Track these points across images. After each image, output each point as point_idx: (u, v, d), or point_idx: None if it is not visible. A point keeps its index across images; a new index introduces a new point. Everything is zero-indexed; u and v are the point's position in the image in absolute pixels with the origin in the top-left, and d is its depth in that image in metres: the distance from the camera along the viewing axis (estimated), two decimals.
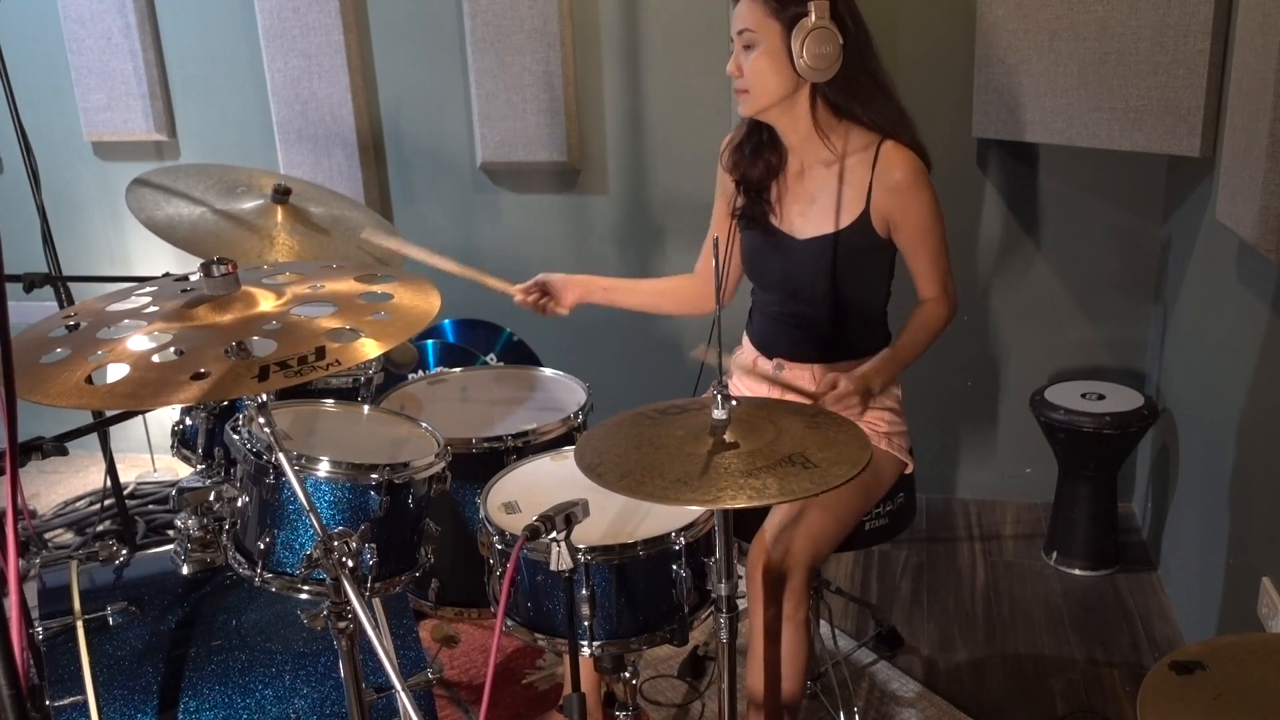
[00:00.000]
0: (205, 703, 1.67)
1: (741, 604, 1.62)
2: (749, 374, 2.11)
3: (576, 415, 2.14)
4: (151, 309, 1.44)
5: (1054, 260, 2.99)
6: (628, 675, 1.79)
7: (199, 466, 2.12)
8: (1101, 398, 2.79)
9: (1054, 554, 2.90)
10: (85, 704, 1.61)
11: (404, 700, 1.37)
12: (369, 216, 2.41)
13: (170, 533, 2.35)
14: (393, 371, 2.35)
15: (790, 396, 1.83)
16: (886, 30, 2.87)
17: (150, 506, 3.31)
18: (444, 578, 2.07)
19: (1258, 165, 1.86)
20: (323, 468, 1.62)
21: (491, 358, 2.86)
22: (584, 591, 1.64)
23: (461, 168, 3.28)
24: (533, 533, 1.47)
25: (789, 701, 1.93)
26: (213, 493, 1.84)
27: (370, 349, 1.35)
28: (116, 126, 3.42)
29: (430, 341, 2.90)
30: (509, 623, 1.73)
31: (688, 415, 1.55)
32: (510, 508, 1.80)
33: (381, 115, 3.30)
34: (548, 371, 2.38)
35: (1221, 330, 2.34)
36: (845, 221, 1.93)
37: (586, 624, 1.65)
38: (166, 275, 1.64)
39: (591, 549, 1.63)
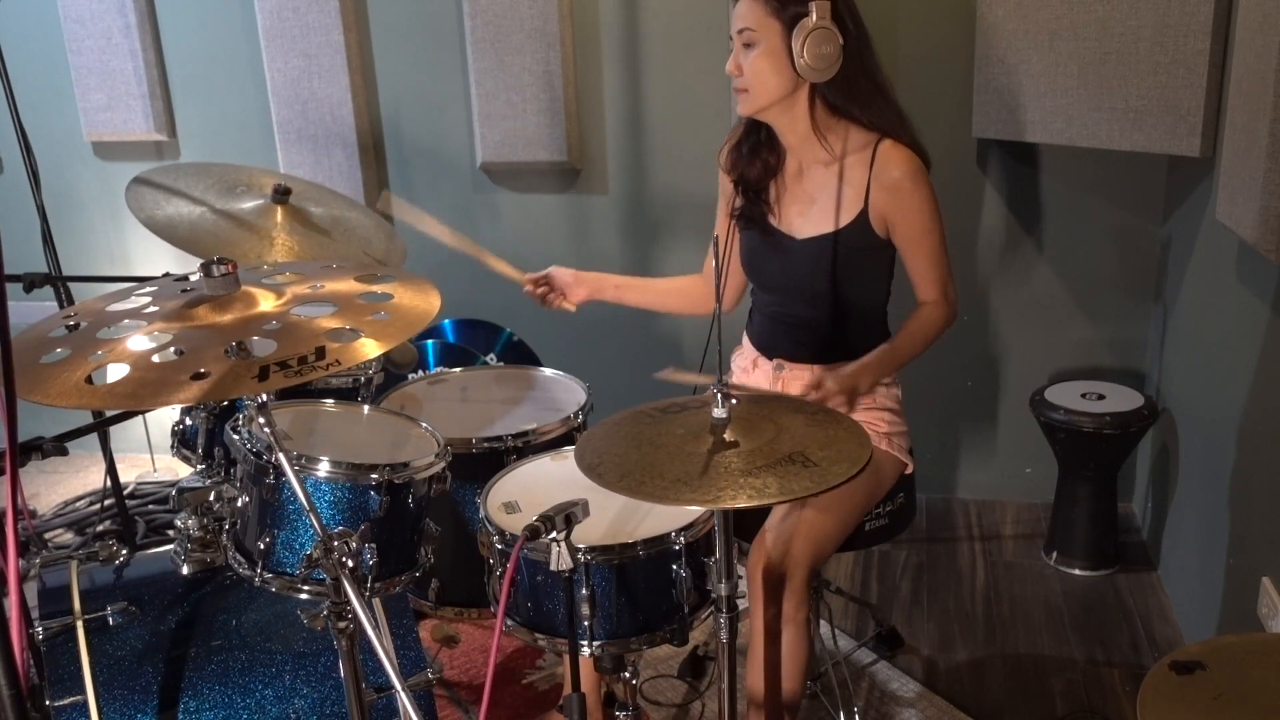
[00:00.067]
0: (205, 703, 1.67)
1: (742, 604, 1.62)
2: (746, 375, 2.11)
3: (576, 415, 2.14)
4: (151, 309, 1.44)
5: (1054, 260, 2.99)
6: (628, 675, 1.79)
7: (199, 466, 2.12)
8: (1101, 398, 2.79)
9: (1054, 554, 2.90)
10: (85, 704, 1.61)
11: (404, 700, 1.37)
12: (369, 217, 2.41)
13: (170, 533, 2.35)
14: (393, 371, 2.35)
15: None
16: (886, 30, 2.87)
17: (150, 506, 3.31)
18: (444, 578, 2.07)
19: (1258, 165, 1.86)
20: (323, 468, 1.62)
21: (491, 358, 2.86)
22: (584, 591, 1.64)
23: (461, 168, 3.28)
24: (533, 533, 1.47)
25: (789, 701, 1.93)
26: (213, 493, 1.84)
27: (370, 349, 1.35)
28: (116, 126, 3.42)
29: (430, 341, 2.90)
30: (509, 623, 1.73)
31: (688, 414, 1.55)
32: (510, 508, 1.80)
33: (381, 115, 3.30)
34: (548, 371, 2.38)
35: (1221, 330, 2.34)
36: (844, 221, 1.93)
37: (586, 624, 1.65)
38: (166, 275, 1.64)
39: (591, 549, 1.63)
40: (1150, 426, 2.78)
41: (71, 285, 2.50)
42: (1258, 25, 1.93)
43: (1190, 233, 2.60)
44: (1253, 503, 2.11)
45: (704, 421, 1.50)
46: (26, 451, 1.54)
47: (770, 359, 2.07)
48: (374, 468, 1.63)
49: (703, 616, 1.73)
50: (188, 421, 2.15)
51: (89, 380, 1.29)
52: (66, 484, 3.58)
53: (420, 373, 2.41)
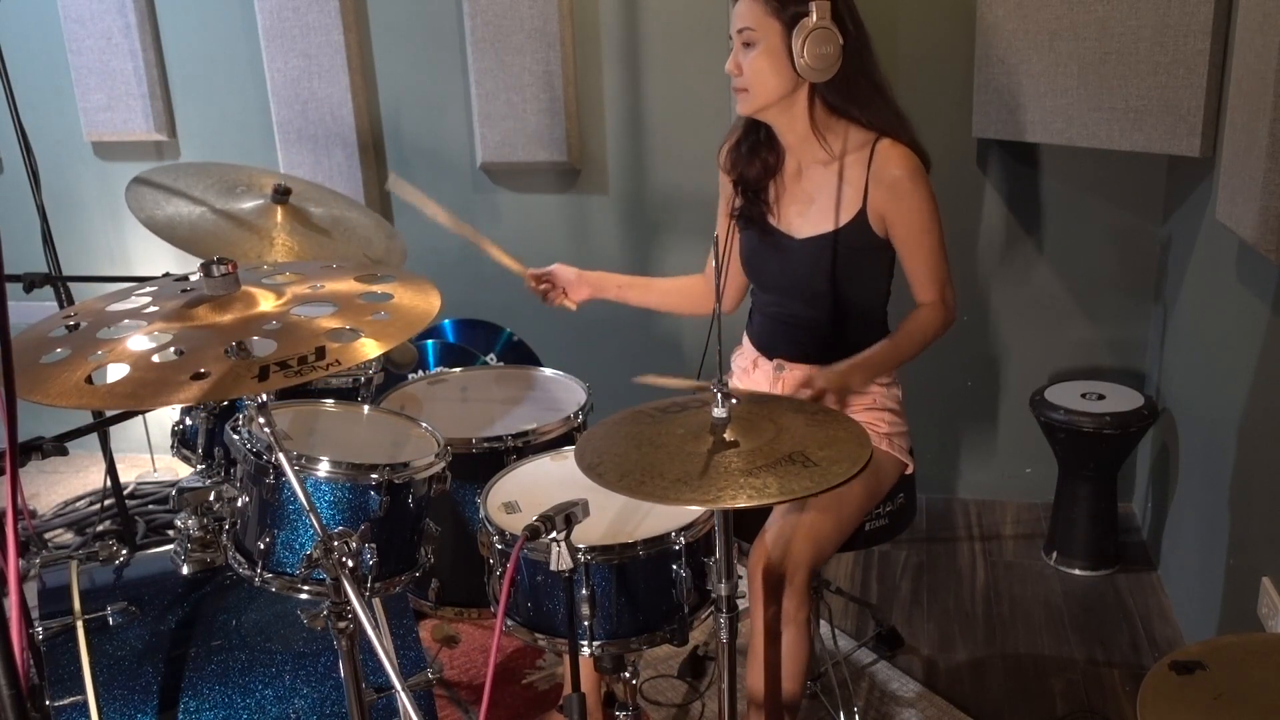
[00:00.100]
0: (205, 703, 1.67)
1: (742, 604, 1.62)
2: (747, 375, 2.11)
3: (576, 415, 2.14)
4: (151, 309, 1.44)
5: (1054, 260, 2.99)
6: (628, 675, 1.79)
7: (199, 466, 2.12)
8: (1101, 398, 2.79)
9: (1054, 554, 2.90)
10: (85, 704, 1.61)
11: (404, 700, 1.37)
12: (369, 216, 2.41)
13: (170, 533, 2.35)
14: (393, 371, 2.35)
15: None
16: (886, 30, 2.87)
17: (150, 506, 3.31)
18: (444, 578, 2.07)
19: (1258, 165, 1.86)
20: (323, 468, 1.62)
21: (491, 358, 2.86)
22: (584, 591, 1.64)
23: (461, 168, 3.28)
24: (533, 533, 1.47)
25: (789, 702, 1.92)
26: (213, 493, 1.84)
27: (370, 349, 1.35)
28: (116, 126, 3.43)
29: (430, 341, 2.90)
30: (509, 623, 1.73)
31: (688, 414, 1.55)
32: (510, 508, 1.80)
33: (381, 115, 3.30)
34: (548, 371, 2.38)
35: (1221, 330, 2.34)
36: (842, 221, 1.93)
37: (586, 624, 1.65)
38: (166, 275, 1.64)
39: (591, 549, 1.63)
40: (1150, 426, 2.78)
41: (71, 285, 2.50)
42: (1258, 25, 1.93)
43: (1190, 233, 2.60)
44: (1253, 503, 2.11)
45: (704, 421, 1.50)
46: (26, 451, 1.54)
47: (770, 359, 2.07)
48: (374, 468, 1.63)
49: (703, 616, 1.73)
50: (188, 421, 2.15)
51: (89, 380, 1.29)
52: (66, 484, 3.58)
53: (420, 373, 2.41)
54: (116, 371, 1.30)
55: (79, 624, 1.68)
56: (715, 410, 1.49)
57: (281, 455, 1.41)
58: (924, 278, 1.95)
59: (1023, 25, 2.60)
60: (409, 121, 3.29)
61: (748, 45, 1.87)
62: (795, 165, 2.00)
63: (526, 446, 2.05)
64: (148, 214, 2.14)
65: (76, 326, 1.43)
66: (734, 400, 1.51)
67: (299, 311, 1.42)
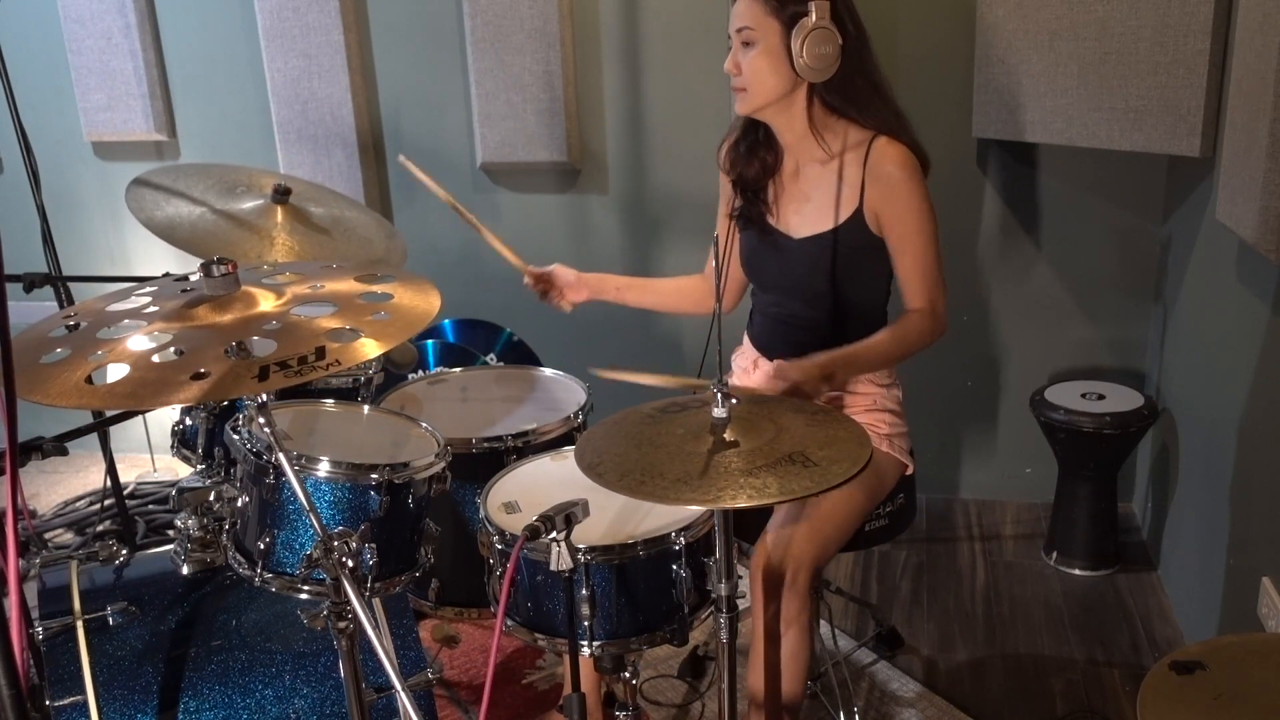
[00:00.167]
0: (205, 703, 1.67)
1: (742, 604, 1.62)
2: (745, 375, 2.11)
3: (576, 415, 2.14)
4: (151, 309, 1.44)
5: (1054, 260, 2.99)
6: (628, 675, 1.78)
7: (199, 466, 2.12)
8: (1101, 398, 2.79)
9: (1054, 554, 2.90)
10: (85, 704, 1.61)
11: (404, 700, 1.37)
12: (369, 216, 2.41)
13: (170, 533, 2.35)
14: (393, 371, 2.35)
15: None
16: (886, 30, 2.87)
17: (150, 506, 3.31)
18: (444, 578, 2.07)
19: (1258, 165, 1.86)
20: (323, 468, 1.62)
21: (491, 358, 2.86)
22: (584, 591, 1.64)
23: (461, 168, 3.28)
24: (533, 533, 1.47)
25: (790, 703, 1.92)
26: (213, 493, 1.84)
27: (370, 349, 1.35)
28: (116, 126, 3.43)
29: (430, 341, 2.90)
30: (509, 623, 1.73)
31: (688, 414, 1.55)
32: (510, 508, 1.80)
33: (381, 115, 3.30)
34: (548, 371, 2.38)
35: (1221, 330, 2.34)
36: (840, 220, 1.93)
37: (586, 624, 1.65)
38: (166, 275, 1.64)
39: (591, 549, 1.63)
40: (1150, 426, 2.78)
41: (71, 285, 2.50)
42: (1258, 25, 1.93)
43: (1190, 233, 2.60)
44: (1253, 503, 2.11)
45: (704, 421, 1.50)
46: (26, 451, 1.54)
47: (770, 359, 2.06)
48: (374, 468, 1.63)
49: (703, 616, 1.73)
50: (188, 421, 2.15)
51: (89, 380, 1.29)
52: (66, 484, 3.58)
53: (420, 373, 2.41)
54: (116, 371, 1.30)
55: (79, 624, 1.68)
56: (715, 410, 1.49)
57: (281, 455, 1.41)
58: (914, 282, 1.91)
59: (1023, 25, 2.60)
60: (409, 121, 3.29)
61: (747, 45, 1.86)
62: (793, 164, 2.00)
63: (526, 446, 2.05)
64: (148, 215, 2.14)
65: (76, 326, 1.43)
66: (734, 400, 1.51)
67: (299, 311, 1.42)
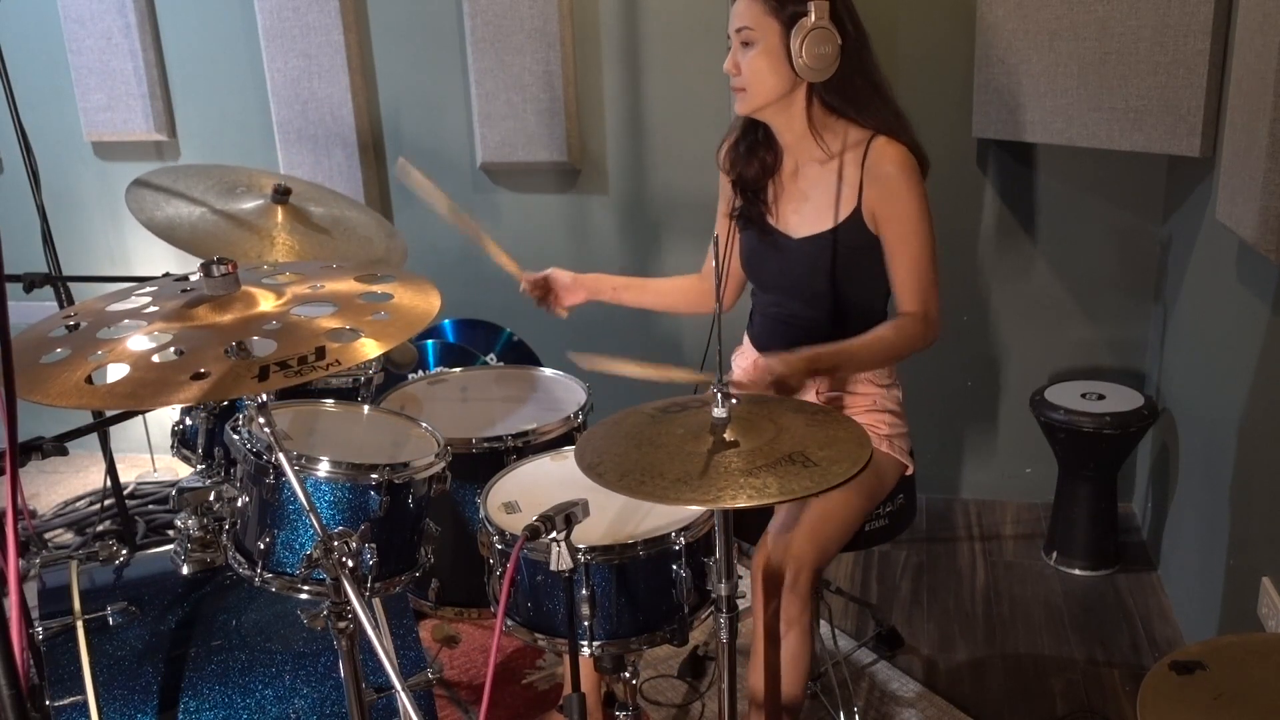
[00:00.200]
0: (205, 703, 1.67)
1: (742, 604, 1.62)
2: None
3: (576, 415, 2.14)
4: (151, 309, 1.44)
5: (1054, 260, 2.99)
6: (628, 675, 1.79)
7: (199, 466, 2.12)
8: (1101, 398, 2.79)
9: (1054, 554, 2.90)
10: (85, 704, 1.61)
11: (404, 700, 1.37)
12: (369, 216, 2.41)
13: (170, 533, 2.35)
14: (393, 371, 2.35)
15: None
16: (886, 30, 2.87)
17: (150, 506, 3.31)
18: (444, 578, 2.07)
19: (1258, 165, 1.86)
20: (323, 468, 1.62)
21: (491, 358, 2.86)
22: (584, 591, 1.64)
23: (461, 168, 3.28)
24: (533, 533, 1.47)
25: (790, 704, 1.92)
26: (213, 493, 1.84)
27: (370, 349, 1.35)
28: (116, 126, 3.43)
29: (430, 341, 2.90)
30: (509, 623, 1.73)
31: (688, 413, 1.55)
32: (510, 508, 1.80)
33: (381, 115, 3.30)
34: (548, 371, 2.39)
35: (1221, 330, 2.34)
36: (839, 219, 1.92)
37: (586, 624, 1.65)
38: (166, 275, 1.64)
39: (591, 549, 1.63)
40: (1150, 426, 2.78)
41: (71, 285, 2.50)
42: (1258, 25, 1.93)
43: (1190, 233, 2.60)
44: (1253, 503, 2.11)
45: (704, 421, 1.50)
46: (26, 451, 1.54)
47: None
48: (374, 468, 1.63)
49: (703, 616, 1.73)
50: (188, 421, 2.15)
51: (89, 380, 1.29)
52: (66, 484, 3.58)
53: (420, 373, 2.41)
54: (116, 371, 1.30)
55: (79, 624, 1.68)
56: (715, 410, 1.49)
57: (281, 455, 1.41)
58: (908, 285, 1.88)
59: (1023, 25, 2.60)
60: (409, 121, 3.29)
61: (746, 45, 1.86)
62: (792, 164, 2.00)
63: (526, 446, 2.05)
64: (148, 216, 2.14)
65: (76, 326, 1.43)
66: (734, 400, 1.51)
67: (299, 311, 1.42)
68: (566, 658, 1.87)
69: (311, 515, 1.41)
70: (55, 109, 3.44)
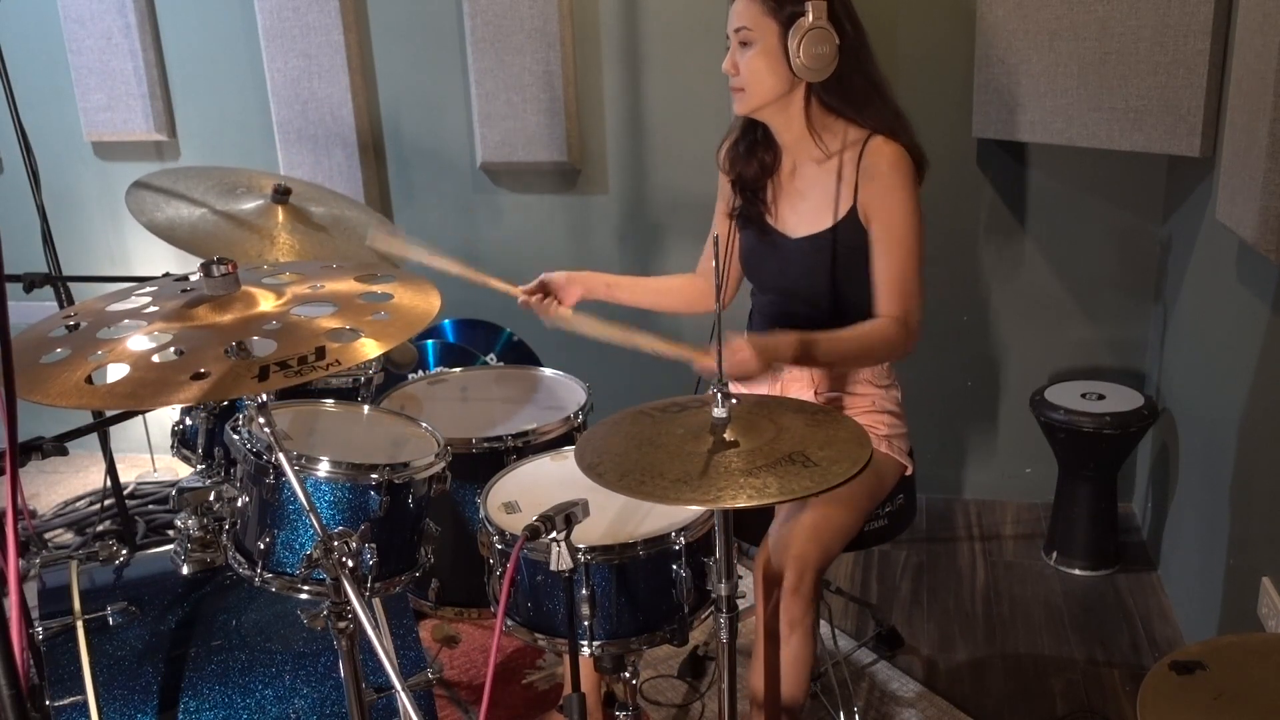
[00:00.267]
0: (205, 703, 1.67)
1: (742, 604, 1.62)
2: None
3: (576, 415, 2.14)
4: (151, 309, 1.44)
5: (1054, 260, 2.99)
6: (628, 675, 1.78)
7: (199, 466, 2.13)
8: (1101, 398, 2.79)
9: (1054, 554, 2.90)
10: (85, 704, 1.61)
11: (404, 700, 1.37)
12: (369, 216, 2.41)
13: (170, 533, 2.35)
14: (393, 371, 2.35)
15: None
16: (886, 30, 2.87)
17: (150, 506, 3.31)
18: (444, 578, 2.07)
19: (1258, 165, 1.86)
20: (323, 468, 1.62)
21: (491, 358, 2.86)
22: (584, 591, 1.64)
23: (461, 168, 3.28)
24: (533, 533, 1.47)
25: (792, 706, 1.92)
26: (213, 493, 1.84)
27: (370, 349, 1.35)
28: (116, 126, 3.43)
29: (430, 341, 2.90)
30: (509, 623, 1.73)
31: (688, 414, 1.55)
32: (510, 508, 1.80)
33: (381, 115, 3.30)
34: (548, 371, 2.39)
35: (1221, 330, 2.34)
36: (836, 219, 1.92)
37: (586, 624, 1.65)
38: (166, 275, 1.64)
39: (591, 549, 1.63)
40: (1150, 426, 2.78)
41: (71, 285, 2.50)
42: (1258, 25, 1.93)
43: (1190, 233, 2.60)
44: (1253, 503, 2.11)
45: (704, 421, 1.50)
46: (26, 451, 1.54)
47: (784, 368, 2.06)
48: (374, 468, 1.63)
49: (703, 616, 1.73)
50: (188, 421, 2.15)
51: (89, 380, 1.29)
52: (66, 484, 3.58)
53: (420, 373, 2.41)
54: (116, 371, 1.30)
55: (79, 624, 1.68)
56: (715, 410, 1.49)
57: (281, 455, 1.41)
58: (889, 286, 1.86)
59: (1023, 25, 2.60)
60: (409, 121, 3.29)
61: (744, 45, 1.86)
62: (791, 164, 2.00)
63: (526, 446, 2.05)
64: (148, 216, 2.14)
65: (76, 326, 1.43)
66: (734, 400, 1.51)
67: (299, 311, 1.42)
68: (566, 658, 1.87)
69: (311, 515, 1.41)
70: (55, 109, 3.44)
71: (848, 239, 1.92)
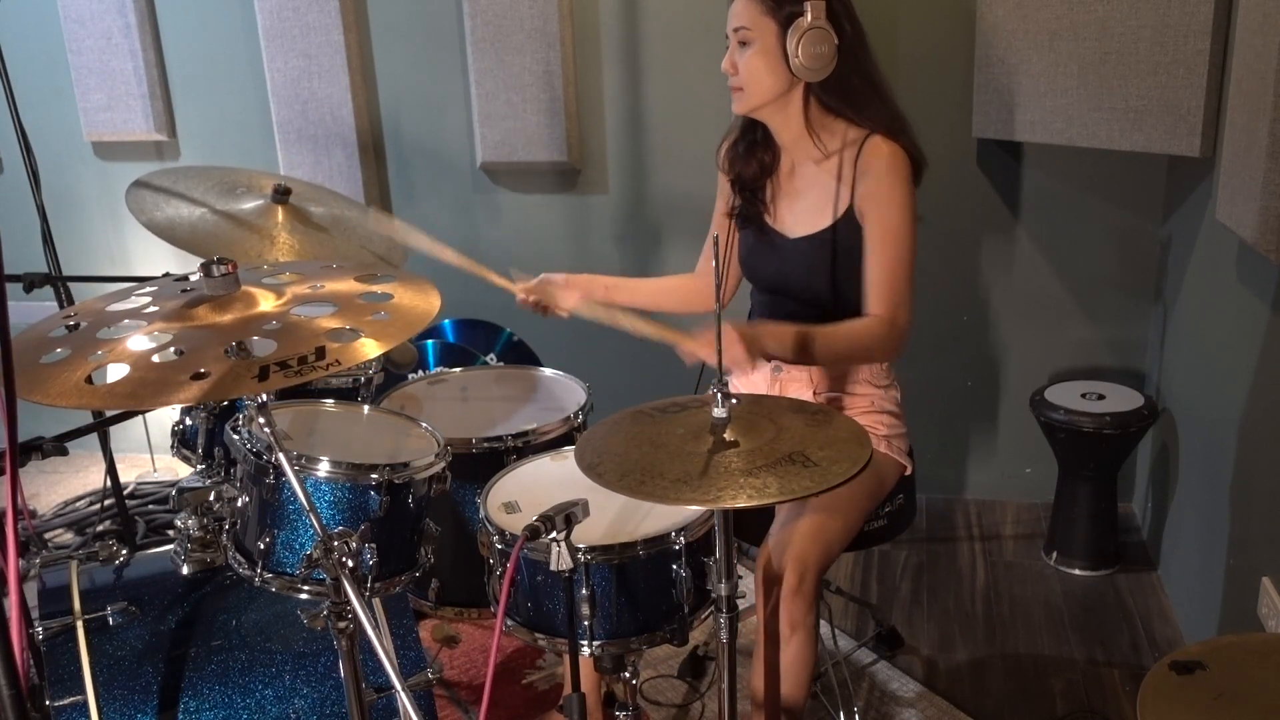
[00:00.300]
0: (205, 703, 1.67)
1: (742, 604, 1.62)
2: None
3: (576, 415, 2.14)
4: (151, 309, 1.44)
5: (1054, 260, 2.99)
6: (628, 675, 1.78)
7: (199, 466, 2.13)
8: (1101, 398, 2.79)
9: (1054, 554, 2.90)
10: (85, 704, 1.61)
11: (404, 700, 1.37)
12: (370, 216, 2.41)
13: (170, 533, 2.35)
14: (393, 371, 2.35)
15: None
16: (886, 30, 2.87)
17: (150, 506, 3.31)
18: (444, 578, 2.07)
19: (1258, 165, 1.86)
20: (323, 468, 1.62)
21: (491, 358, 2.86)
22: (584, 591, 1.64)
23: (461, 168, 3.28)
24: (533, 533, 1.47)
25: (793, 707, 1.91)
26: (213, 493, 1.84)
27: (370, 349, 1.35)
28: (116, 126, 3.43)
29: (430, 341, 2.90)
30: (509, 623, 1.73)
31: (688, 413, 1.55)
32: (510, 508, 1.80)
33: (381, 115, 3.30)
34: (548, 371, 2.39)
35: (1221, 330, 2.34)
36: (835, 219, 1.92)
37: (586, 624, 1.65)
38: (166, 275, 1.64)
39: (591, 549, 1.63)
40: (1150, 426, 2.78)
41: (71, 285, 2.50)
42: (1258, 25, 1.93)
43: (1190, 233, 2.60)
44: (1253, 503, 2.11)
45: (704, 421, 1.50)
46: (26, 451, 1.54)
47: (769, 360, 2.06)
48: (374, 468, 1.63)
49: (703, 616, 1.73)
50: (188, 421, 2.15)
51: (89, 380, 1.29)
52: (66, 484, 3.58)
53: (420, 373, 2.41)
54: (116, 371, 1.30)
55: (79, 624, 1.68)
56: (715, 410, 1.49)
57: (281, 455, 1.41)
58: (879, 285, 1.84)
59: (1023, 25, 2.60)
60: (409, 121, 3.29)
61: (743, 44, 1.87)
62: (790, 164, 2.00)
63: (526, 446, 2.05)
64: (148, 216, 2.14)
65: (76, 326, 1.43)
66: (734, 400, 1.51)
67: (299, 311, 1.42)
68: (566, 658, 1.87)
69: (311, 515, 1.41)
70: (55, 109, 3.44)
71: (846, 238, 1.92)
